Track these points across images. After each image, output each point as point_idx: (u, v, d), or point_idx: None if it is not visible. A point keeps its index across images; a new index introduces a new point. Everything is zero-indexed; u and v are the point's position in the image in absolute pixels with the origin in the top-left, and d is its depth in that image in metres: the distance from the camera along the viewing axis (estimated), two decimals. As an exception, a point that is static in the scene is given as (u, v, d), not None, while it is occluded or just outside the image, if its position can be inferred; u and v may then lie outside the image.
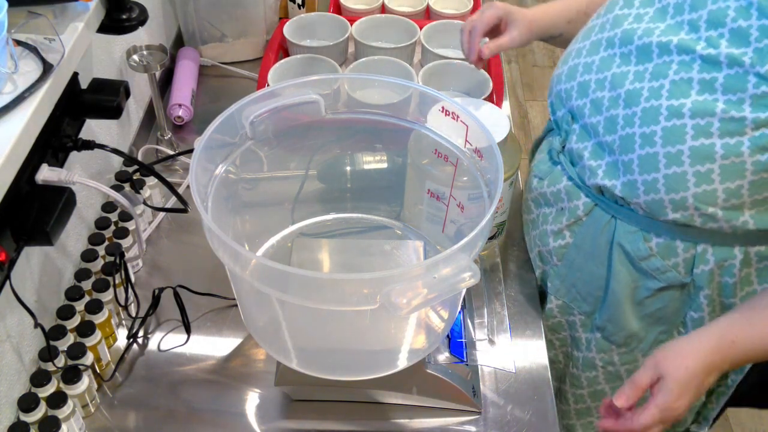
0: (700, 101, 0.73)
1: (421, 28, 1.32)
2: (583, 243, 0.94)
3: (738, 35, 0.71)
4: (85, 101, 0.90)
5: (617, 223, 0.88)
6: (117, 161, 1.14)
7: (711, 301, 0.88)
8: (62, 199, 0.80)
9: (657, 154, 0.78)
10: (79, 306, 0.90)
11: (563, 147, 0.94)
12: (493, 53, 1.00)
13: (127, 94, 0.93)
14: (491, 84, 1.20)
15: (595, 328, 0.98)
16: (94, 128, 1.04)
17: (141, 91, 1.26)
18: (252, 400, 0.90)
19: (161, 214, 1.12)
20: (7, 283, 0.77)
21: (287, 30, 1.33)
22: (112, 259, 0.95)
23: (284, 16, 1.46)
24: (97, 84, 0.92)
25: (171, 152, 1.21)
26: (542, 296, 1.05)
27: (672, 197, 0.80)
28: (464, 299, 0.98)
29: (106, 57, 1.09)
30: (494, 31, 1.02)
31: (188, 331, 0.96)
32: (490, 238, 1.07)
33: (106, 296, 0.92)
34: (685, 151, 0.76)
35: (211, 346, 0.96)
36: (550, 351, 1.07)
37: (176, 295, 0.97)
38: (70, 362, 0.84)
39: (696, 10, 0.75)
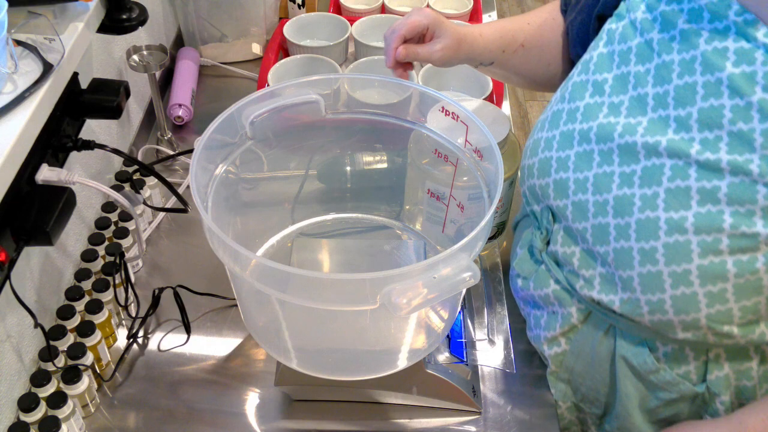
0: (703, 214, 0.65)
1: (421, 28, 1.32)
2: (582, 351, 0.84)
3: (739, 140, 0.62)
4: (85, 101, 0.90)
5: (618, 333, 0.79)
6: (117, 161, 1.14)
7: (728, 406, 0.78)
8: (62, 199, 0.80)
9: (661, 273, 0.69)
10: (79, 306, 0.90)
11: (546, 245, 0.84)
12: (408, 57, 0.87)
13: (127, 94, 0.93)
14: (491, 84, 1.20)
15: (606, 428, 0.90)
16: (94, 128, 1.04)
17: (141, 91, 1.26)
18: (252, 400, 0.90)
19: (161, 214, 1.12)
20: (7, 283, 0.77)
21: (287, 30, 1.33)
22: (112, 259, 0.95)
23: (284, 16, 1.46)
24: (97, 84, 0.92)
25: (171, 152, 1.21)
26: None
27: (682, 318, 0.70)
28: (464, 299, 0.98)
29: (106, 57, 1.09)
30: (419, 40, 0.89)
31: (188, 331, 0.96)
32: (490, 238, 1.07)
33: (106, 296, 0.92)
34: (693, 271, 0.67)
35: (211, 346, 0.96)
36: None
37: (176, 295, 0.97)
38: (70, 362, 0.84)
39: (683, 105, 0.66)
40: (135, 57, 1.12)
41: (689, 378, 0.78)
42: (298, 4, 1.46)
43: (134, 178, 1.08)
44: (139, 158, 1.18)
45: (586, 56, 0.79)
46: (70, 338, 0.87)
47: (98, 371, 0.90)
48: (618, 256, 0.72)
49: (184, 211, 1.05)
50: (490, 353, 0.95)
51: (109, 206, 1.05)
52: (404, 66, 0.89)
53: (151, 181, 1.09)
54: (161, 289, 0.98)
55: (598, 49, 0.77)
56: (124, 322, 0.98)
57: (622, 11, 0.75)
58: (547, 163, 0.79)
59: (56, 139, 0.85)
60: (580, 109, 0.76)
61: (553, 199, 0.80)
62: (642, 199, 0.69)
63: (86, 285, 0.93)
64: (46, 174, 0.81)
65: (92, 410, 0.88)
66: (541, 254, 0.84)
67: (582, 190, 0.75)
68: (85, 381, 0.84)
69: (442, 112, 0.84)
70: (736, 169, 0.62)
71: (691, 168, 0.65)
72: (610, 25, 0.77)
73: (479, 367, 0.93)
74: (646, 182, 0.68)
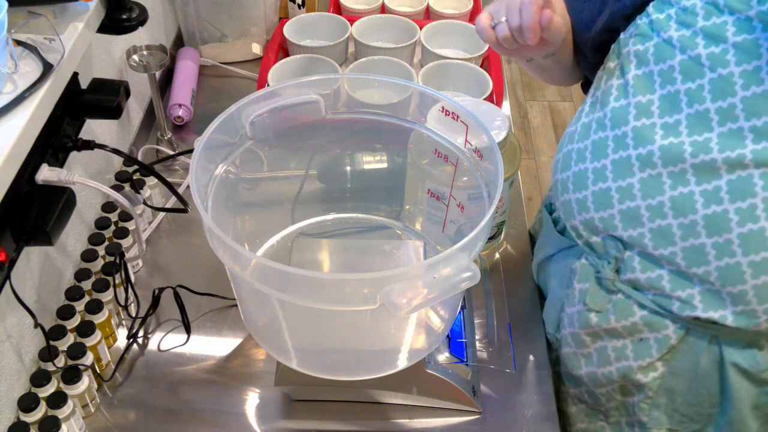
0: None
1: (421, 28, 1.32)
2: (683, 369, 0.82)
3: None
4: (85, 101, 0.90)
5: (723, 342, 0.78)
6: (117, 161, 1.14)
7: None
8: (62, 199, 0.80)
9: None
10: (79, 306, 0.90)
11: (617, 272, 0.81)
12: (555, 25, 0.75)
13: (127, 94, 0.93)
14: (491, 84, 1.20)
15: None
16: (94, 128, 1.04)
17: (141, 91, 1.26)
18: (252, 400, 0.90)
19: (161, 214, 1.12)
20: (7, 283, 0.77)
21: (287, 30, 1.33)
22: (112, 259, 0.95)
23: (284, 16, 1.46)
24: (97, 84, 0.92)
25: (171, 152, 1.21)
26: (617, 426, 0.94)
27: None
28: (464, 299, 0.98)
29: (106, 57, 1.09)
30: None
31: (188, 331, 0.96)
32: (490, 238, 1.07)
33: (106, 296, 0.92)
34: None
35: (211, 346, 0.96)
36: None
37: (176, 295, 0.97)
38: (70, 362, 0.84)
39: (757, 116, 0.65)
40: (135, 57, 1.12)
41: None
42: (298, 4, 1.46)
43: (134, 178, 1.08)
44: (139, 158, 1.18)
45: (617, 81, 0.77)
46: (70, 338, 0.87)
47: (98, 371, 0.90)
48: (724, 274, 0.71)
49: (184, 211, 1.05)
50: (490, 353, 0.95)
51: (109, 206, 1.05)
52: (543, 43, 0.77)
53: (151, 181, 1.09)
54: (161, 289, 0.98)
55: (630, 72, 0.74)
56: (124, 322, 0.98)
57: (646, 31, 0.73)
58: (606, 195, 0.77)
59: (56, 139, 0.85)
60: (628, 134, 0.74)
61: (622, 230, 0.77)
62: (738, 214, 0.68)
63: (86, 285, 0.93)
64: (46, 174, 0.81)
65: (92, 410, 0.88)
66: (615, 284, 0.82)
67: (660, 216, 0.73)
68: (85, 381, 0.84)
69: (442, 112, 0.84)
70: None
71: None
72: (635, 46, 0.74)
73: (479, 367, 0.93)
74: (738, 196, 0.67)
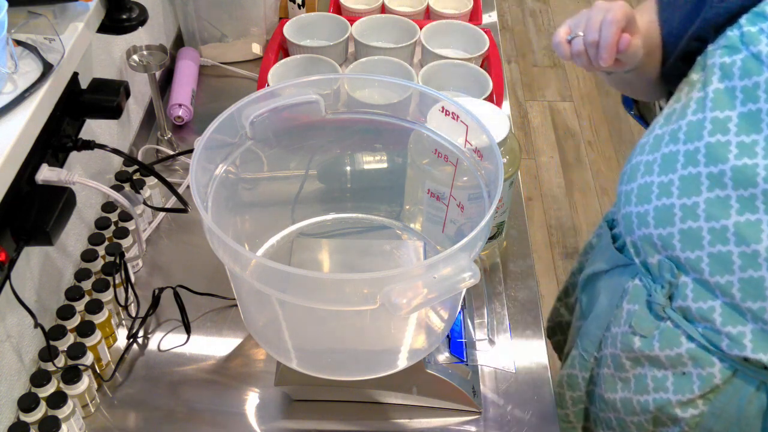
0: None
1: (421, 28, 1.32)
2: (725, 411, 0.77)
3: None
4: (85, 101, 0.90)
5: None
6: (117, 161, 1.14)
7: None
8: (62, 199, 0.80)
9: None
10: (79, 306, 0.90)
11: (669, 299, 0.78)
12: (632, 49, 0.73)
13: (127, 94, 0.93)
14: (491, 84, 1.20)
15: None
16: (94, 128, 1.04)
17: (141, 91, 1.26)
18: (252, 400, 0.90)
19: (161, 214, 1.12)
20: (7, 283, 0.77)
21: (287, 30, 1.33)
22: (112, 259, 0.95)
23: (284, 16, 1.46)
24: (97, 84, 0.92)
25: (171, 152, 1.21)
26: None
27: None
28: (464, 299, 0.98)
29: (106, 57, 1.09)
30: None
31: (188, 331, 0.96)
32: (490, 238, 1.07)
33: (106, 296, 0.92)
34: None
35: (211, 346, 0.96)
36: None
37: (176, 295, 0.97)
38: (70, 362, 0.84)
39: None
40: (135, 57, 1.12)
41: None
42: (298, 4, 1.46)
43: (134, 178, 1.08)
44: (139, 158, 1.18)
45: (697, 93, 0.73)
46: (70, 338, 0.87)
47: (98, 371, 0.90)
48: None
49: (184, 211, 1.05)
50: (490, 353, 0.95)
51: (109, 206, 1.05)
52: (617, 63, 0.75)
53: (151, 181, 1.09)
54: (161, 289, 0.98)
55: (711, 84, 0.71)
56: (124, 322, 0.98)
57: (735, 43, 0.70)
58: (669, 211, 0.73)
59: (56, 139, 0.85)
60: (701, 150, 0.70)
61: (680, 251, 0.73)
62: None
63: (86, 285, 0.93)
64: (46, 174, 0.81)
65: (92, 410, 0.88)
66: (665, 310, 0.78)
67: (721, 241, 0.69)
68: (85, 381, 0.84)
69: (442, 112, 0.84)
70: None
71: None
72: (721, 58, 0.71)
73: (479, 367, 0.93)
74: None
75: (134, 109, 1.23)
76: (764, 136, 0.66)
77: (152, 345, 0.96)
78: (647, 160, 0.77)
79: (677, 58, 0.79)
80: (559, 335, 1.20)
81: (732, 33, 0.70)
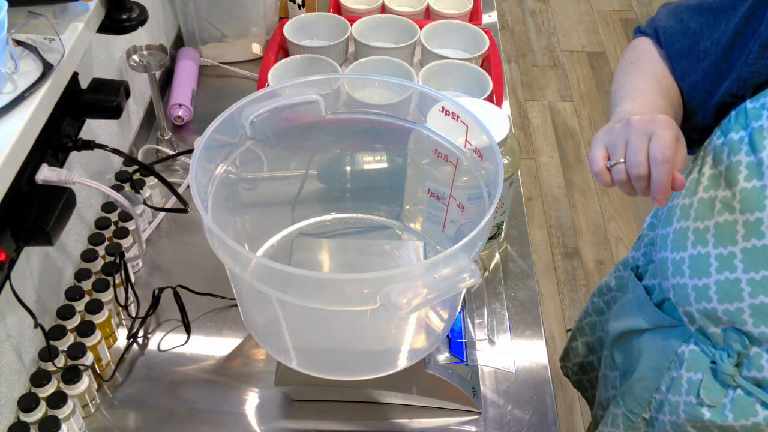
0: None
1: (421, 28, 1.32)
2: None
3: None
4: (85, 101, 0.90)
5: None
6: (117, 161, 1.14)
7: None
8: (62, 199, 0.80)
9: None
10: (79, 306, 0.90)
11: (737, 366, 0.75)
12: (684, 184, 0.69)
13: (127, 94, 0.93)
14: (491, 84, 1.20)
15: None
16: (94, 128, 1.04)
17: (141, 91, 1.26)
18: (252, 400, 0.90)
19: (161, 214, 1.12)
20: (7, 283, 0.77)
21: (287, 30, 1.33)
22: (112, 259, 0.95)
23: (284, 16, 1.46)
24: (97, 84, 0.92)
25: (171, 152, 1.21)
26: None
27: None
28: (464, 299, 0.98)
29: (106, 57, 1.09)
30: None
31: (188, 331, 0.96)
32: (490, 238, 1.07)
33: (106, 296, 0.92)
34: None
35: (211, 346, 0.96)
36: None
37: (176, 295, 0.97)
38: (70, 362, 0.84)
39: None
40: (135, 57, 1.12)
41: None
42: (298, 4, 1.46)
43: (134, 178, 1.08)
44: (139, 158, 1.18)
45: (747, 158, 0.68)
46: (70, 338, 0.87)
47: (98, 371, 0.90)
48: None
49: (184, 211, 1.05)
50: (490, 353, 0.95)
51: (109, 206, 1.05)
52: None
53: (151, 181, 1.09)
54: (161, 289, 0.98)
55: (765, 150, 0.66)
56: (124, 322, 0.98)
57: None
58: (733, 285, 0.69)
59: (56, 139, 0.85)
60: (764, 221, 0.66)
61: (752, 325, 0.70)
62: None
63: (86, 285, 0.93)
64: (46, 174, 0.81)
65: (92, 410, 0.88)
66: (735, 379, 0.75)
67: None
68: (85, 381, 0.84)
69: (442, 112, 0.84)
70: None
71: None
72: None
73: (479, 367, 0.93)
74: None
75: (134, 109, 1.23)
76: None
77: (152, 345, 0.96)
78: (697, 228, 0.73)
79: (710, 114, 0.76)
80: (580, 375, 1.17)
81: None
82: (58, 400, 0.80)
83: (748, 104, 0.69)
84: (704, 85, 0.76)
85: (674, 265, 0.77)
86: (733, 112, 0.71)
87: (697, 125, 0.80)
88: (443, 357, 0.89)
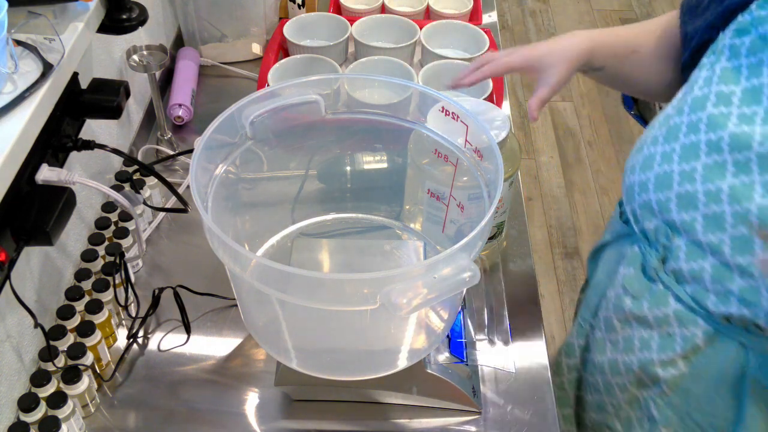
0: None
1: (421, 28, 1.32)
2: (704, 373, 0.80)
3: None
4: (85, 101, 0.90)
5: (749, 354, 0.76)
6: (117, 161, 1.14)
7: None
8: (62, 199, 0.80)
9: None
10: (79, 306, 0.90)
11: (663, 262, 0.81)
12: (539, 109, 0.88)
13: (127, 94, 0.93)
14: (491, 84, 1.20)
15: None
16: (94, 128, 1.04)
17: (141, 91, 1.26)
18: (252, 400, 0.90)
19: (161, 214, 1.12)
20: (7, 283, 0.77)
21: (287, 30, 1.33)
22: (112, 259, 0.95)
23: (284, 16, 1.46)
24: (97, 84, 0.92)
25: (171, 152, 1.21)
26: (628, 422, 0.93)
27: None
28: (464, 299, 0.98)
29: (106, 57, 1.09)
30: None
31: (188, 331, 0.96)
32: (490, 238, 1.07)
33: (106, 296, 0.92)
34: None
35: (211, 346, 0.96)
36: None
37: (176, 295, 0.97)
38: (70, 362, 0.84)
39: None
40: (135, 57, 1.12)
41: None
42: (298, 4, 1.46)
43: (134, 178, 1.08)
44: (139, 158, 1.18)
45: (705, 72, 0.76)
46: (70, 338, 0.87)
47: (98, 371, 0.90)
48: None
49: (184, 211, 1.05)
50: (490, 353, 0.95)
51: (109, 206, 1.05)
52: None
53: (151, 181, 1.09)
54: (161, 289, 0.98)
55: (720, 63, 0.74)
56: (124, 322, 0.98)
57: (744, 26, 0.72)
58: (668, 177, 0.76)
59: (56, 139, 0.85)
60: (703, 119, 0.73)
61: (676, 213, 0.76)
62: None
63: (86, 285, 0.93)
64: (46, 174, 0.81)
65: (92, 410, 0.88)
66: (657, 273, 0.81)
67: (715, 201, 0.72)
68: (85, 381, 0.84)
69: (442, 112, 0.84)
70: None
71: None
72: (731, 40, 0.74)
73: (479, 367, 0.93)
74: None
75: (134, 109, 1.23)
76: (764, 107, 0.69)
77: (152, 345, 0.96)
78: (654, 135, 0.81)
79: (693, 51, 0.83)
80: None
81: (742, 18, 0.73)
82: (58, 400, 0.80)
83: (720, 34, 0.76)
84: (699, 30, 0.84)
85: (630, 169, 0.84)
86: (711, 46, 0.78)
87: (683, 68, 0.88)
88: (443, 357, 0.89)
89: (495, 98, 1.21)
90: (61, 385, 0.83)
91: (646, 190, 0.80)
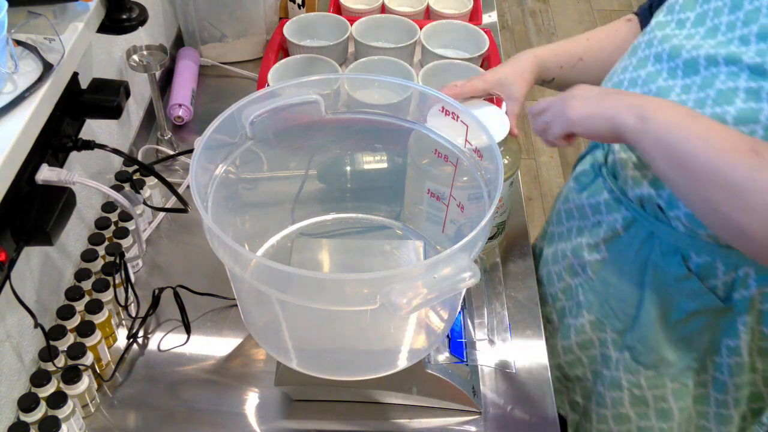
0: (744, 108, 0.70)
1: (421, 28, 1.32)
2: (619, 259, 0.91)
3: None
4: (85, 101, 0.90)
5: (655, 241, 0.85)
6: (117, 161, 1.14)
7: (750, 329, 0.84)
8: (62, 199, 0.80)
9: None
10: (79, 306, 0.90)
11: (606, 159, 0.91)
12: (516, 124, 0.99)
13: (127, 94, 0.93)
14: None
15: (624, 348, 0.95)
16: (94, 128, 1.04)
17: (141, 91, 1.26)
18: (252, 400, 0.90)
19: (161, 214, 1.12)
20: (7, 283, 0.77)
21: (287, 30, 1.33)
22: (112, 259, 0.95)
23: (284, 16, 1.46)
24: (97, 84, 0.92)
25: (171, 152, 1.21)
26: (561, 312, 1.04)
27: None
28: (464, 299, 0.98)
29: (106, 57, 1.09)
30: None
31: (188, 331, 0.96)
32: (490, 238, 1.07)
33: (106, 296, 0.92)
34: None
35: (211, 346, 0.96)
36: (579, 369, 1.04)
37: (176, 295, 0.97)
38: (70, 362, 0.84)
39: (748, 24, 0.72)
40: (135, 57, 1.12)
41: (716, 293, 0.82)
42: (298, 4, 1.46)
43: (134, 178, 1.08)
44: (139, 158, 1.18)
45: (670, 1, 0.84)
46: (70, 338, 0.87)
47: (98, 371, 0.90)
48: None
49: (184, 211, 1.05)
50: (490, 353, 0.95)
51: (109, 206, 1.05)
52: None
53: (151, 181, 1.09)
54: (161, 289, 0.98)
55: None
56: (124, 322, 0.98)
57: None
58: (620, 84, 0.85)
59: (56, 139, 0.85)
60: (658, 36, 0.82)
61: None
62: (695, 101, 0.74)
63: (86, 285, 0.93)
64: (46, 174, 0.81)
65: (92, 410, 0.88)
66: (601, 168, 0.92)
67: None
68: (85, 381, 0.84)
69: (442, 112, 0.84)
70: None
71: (744, 73, 0.70)
72: None
73: (479, 367, 0.93)
74: (702, 88, 0.74)
75: (134, 109, 1.23)
76: (706, 28, 0.77)
77: (152, 345, 0.96)
78: (625, 62, 0.88)
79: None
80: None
81: None
82: (58, 400, 0.80)
83: None
84: None
85: (604, 84, 0.91)
86: None
87: None
88: (443, 357, 0.89)
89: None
90: (61, 385, 0.83)
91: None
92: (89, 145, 0.90)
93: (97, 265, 0.96)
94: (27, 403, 0.79)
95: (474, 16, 1.46)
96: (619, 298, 0.92)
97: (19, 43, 0.78)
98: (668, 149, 0.67)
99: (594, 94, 0.78)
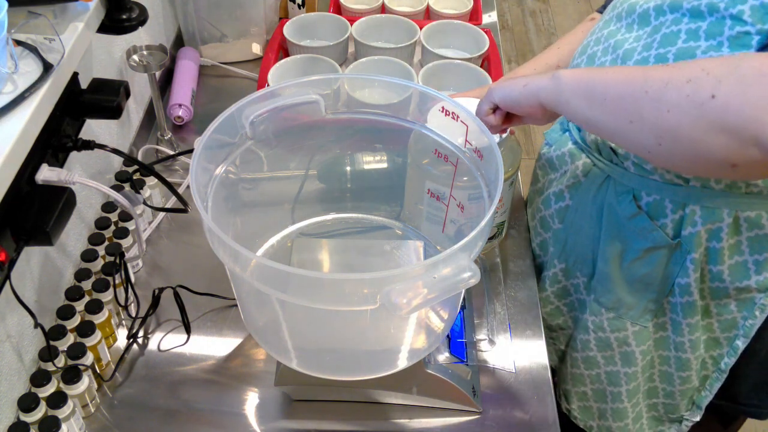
0: (683, 47, 0.76)
1: (421, 28, 1.32)
2: (581, 205, 0.97)
3: None
4: (85, 101, 0.90)
5: (610, 183, 0.91)
6: (117, 161, 1.14)
7: (698, 266, 0.88)
8: (62, 199, 0.80)
9: None
10: (79, 306, 0.90)
11: None
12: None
13: (127, 94, 0.93)
14: (491, 82, 1.20)
15: (591, 290, 1.00)
16: (94, 128, 1.04)
17: (141, 91, 1.26)
18: (252, 400, 0.90)
19: (161, 214, 1.12)
20: (7, 283, 0.77)
21: (287, 30, 1.33)
22: (112, 259, 0.95)
23: (284, 16, 1.46)
24: (97, 84, 0.92)
25: (171, 152, 1.21)
26: (539, 271, 1.10)
27: None
28: (464, 299, 0.98)
29: (106, 57, 1.09)
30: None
31: (188, 331, 0.96)
32: (490, 238, 1.07)
33: (106, 296, 0.92)
34: None
35: (211, 346, 0.96)
36: (559, 317, 1.10)
37: (176, 295, 0.97)
38: (70, 362, 0.84)
39: None
40: (135, 57, 1.12)
41: (665, 231, 0.88)
42: (298, 4, 1.46)
43: (134, 178, 1.08)
44: (139, 158, 1.18)
45: None
46: (70, 338, 0.87)
47: (98, 371, 0.90)
48: None
49: (184, 211, 1.05)
50: (490, 353, 0.95)
51: (109, 206, 1.05)
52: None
53: (151, 181, 1.09)
54: (161, 289, 0.98)
55: None
56: (124, 322, 0.98)
57: None
58: (587, 45, 0.91)
59: (56, 139, 0.85)
60: (624, 7, 0.87)
61: (577, 64, 0.92)
62: (643, 47, 0.80)
63: (86, 285, 0.93)
64: (46, 174, 0.81)
65: (92, 410, 0.88)
66: (568, 123, 0.99)
67: (604, 54, 0.87)
68: (85, 381, 0.84)
69: (442, 112, 0.84)
70: (711, 9, 0.74)
71: (685, 17, 0.77)
72: None
73: (479, 367, 0.93)
74: (650, 35, 0.80)
75: (134, 109, 1.23)
76: None
77: (152, 345, 0.96)
78: (592, 31, 0.94)
79: None
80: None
81: None
82: (58, 400, 0.80)
83: None
84: None
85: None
86: None
87: None
88: (443, 357, 0.89)
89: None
90: (61, 385, 0.83)
91: (573, 59, 0.95)
92: (89, 145, 0.90)
93: (97, 265, 0.96)
94: (27, 403, 0.79)
95: (474, 16, 1.46)
96: (583, 243, 0.98)
97: (19, 43, 0.78)
98: (586, 88, 0.72)
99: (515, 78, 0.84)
